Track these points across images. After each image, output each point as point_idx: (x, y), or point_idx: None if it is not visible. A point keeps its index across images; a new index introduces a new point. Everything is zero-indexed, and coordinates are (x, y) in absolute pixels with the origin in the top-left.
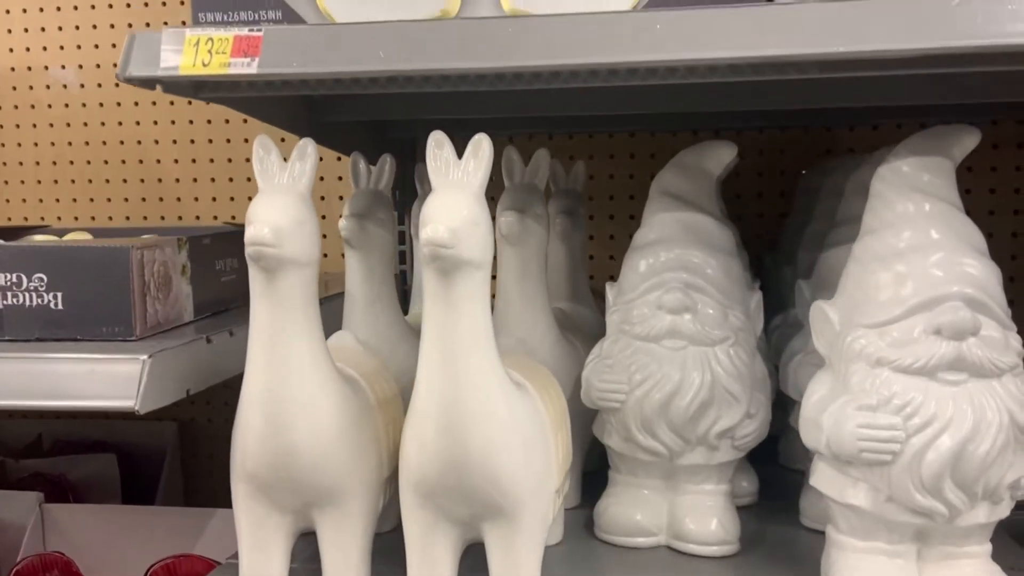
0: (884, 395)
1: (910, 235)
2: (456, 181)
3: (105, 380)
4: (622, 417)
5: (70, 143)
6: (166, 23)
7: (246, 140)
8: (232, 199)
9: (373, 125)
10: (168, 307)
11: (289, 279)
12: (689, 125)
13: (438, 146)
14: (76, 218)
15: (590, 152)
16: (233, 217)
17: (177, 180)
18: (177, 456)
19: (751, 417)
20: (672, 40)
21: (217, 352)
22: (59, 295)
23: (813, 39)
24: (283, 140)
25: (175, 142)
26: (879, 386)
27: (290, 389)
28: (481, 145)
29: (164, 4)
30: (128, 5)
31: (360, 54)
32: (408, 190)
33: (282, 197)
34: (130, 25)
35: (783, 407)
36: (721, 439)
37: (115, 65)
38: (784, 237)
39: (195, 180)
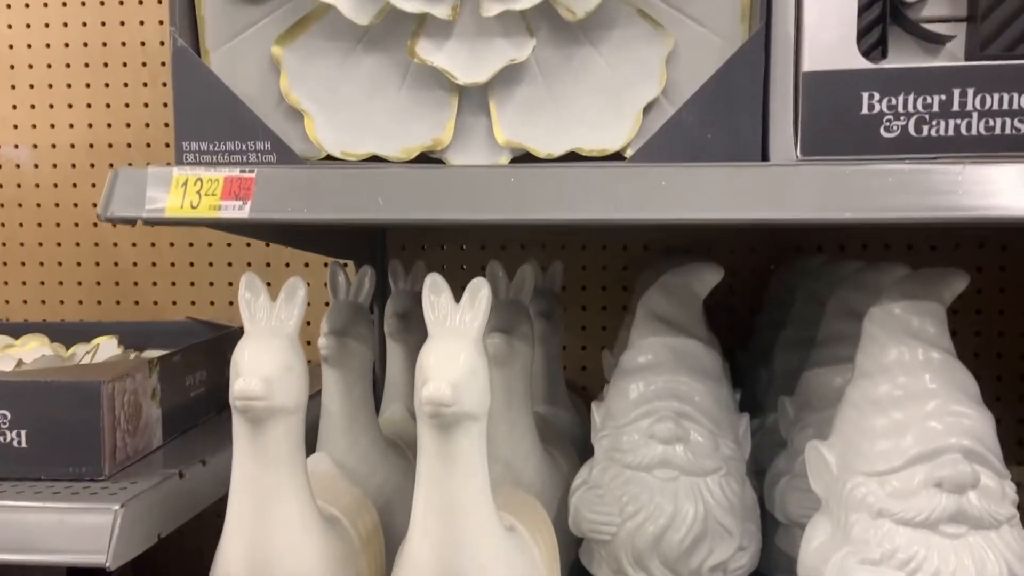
0: (887, 548)
1: (906, 381)
2: (453, 328)
3: (75, 533)
4: (613, 549)
5: (21, 224)
6: (127, 104)
7: None
8: (192, 284)
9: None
10: (137, 438)
11: (277, 429)
12: (658, 234)
13: (435, 291)
14: (25, 301)
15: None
16: (193, 303)
17: (135, 264)
18: None
19: (743, 550)
20: (679, 199)
21: (189, 486)
22: (24, 432)
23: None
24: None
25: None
26: (882, 539)
27: (275, 547)
28: (479, 291)
29: (126, 85)
30: (87, 85)
31: (358, 200)
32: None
33: (269, 342)
34: (89, 105)
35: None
36: (714, 573)
37: (72, 146)
38: (757, 335)
39: (154, 264)
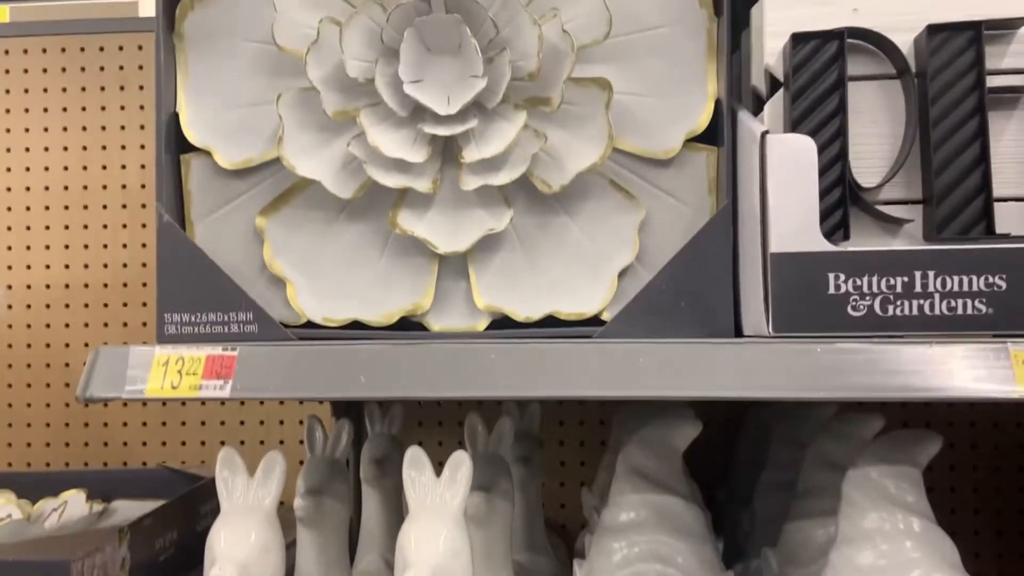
0: None
1: (888, 549)
2: (434, 506)
3: None
4: None
5: None
6: (105, 245)
7: None
8: (163, 423)
9: None
10: None
11: None
12: None
13: (416, 467)
14: None
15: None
16: (164, 443)
17: (105, 404)
18: None
19: None
20: (656, 376)
21: None
22: None
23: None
24: None
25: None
26: None
27: None
28: (460, 465)
29: (105, 227)
30: (66, 227)
31: (340, 379)
32: None
33: (246, 522)
34: (66, 246)
35: None
36: None
37: (48, 286)
38: (735, 476)
39: (124, 404)
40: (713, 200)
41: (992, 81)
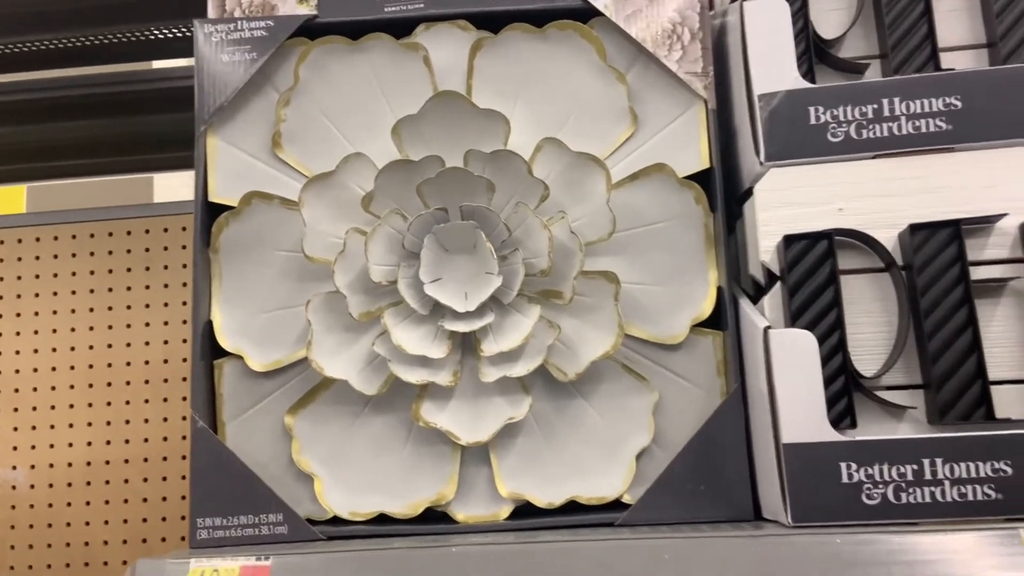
0: None
1: None
2: None
3: None
4: None
5: (12, 547)
6: (127, 421)
7: None
8: None
9: None
10: None
11: None
12: None
13: None
14: None
15: None
16: None
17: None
18: None
19: None
20: (680, 569)
21: None
22: None
23: None
24: None
25: (125, 542)
26: None
27: None
28: None
29: (128, 403)
30: (89, 404)
31: None
32: None
33: None
34: (89, 424)
35: None
36: None
37: (69, 464)
38: None
39: None
40: (723, 381)
41: (977, 272)
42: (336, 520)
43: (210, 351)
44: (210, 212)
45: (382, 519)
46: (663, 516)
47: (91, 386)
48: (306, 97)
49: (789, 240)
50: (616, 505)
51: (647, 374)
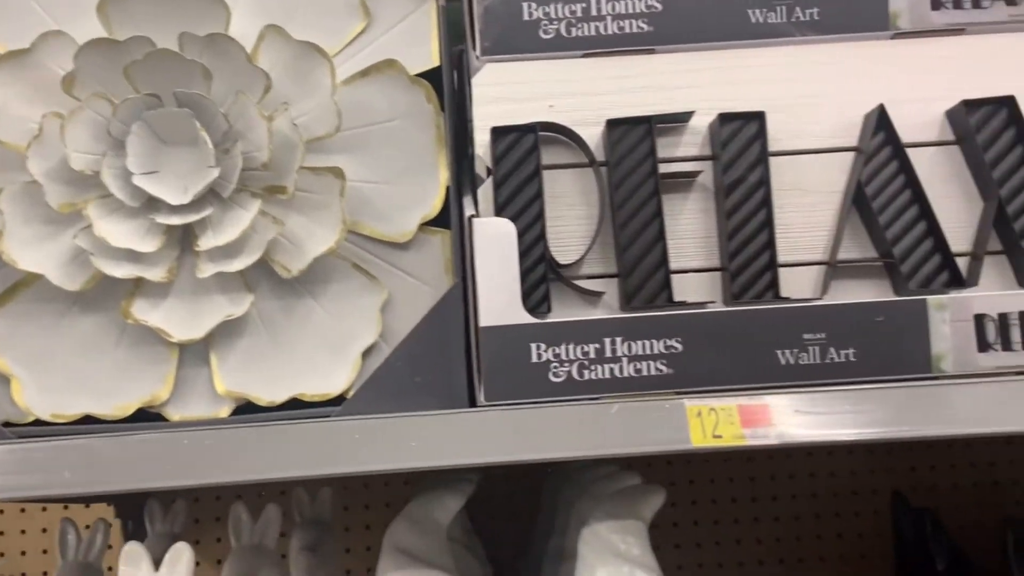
0: None
1: None
2: None
3: None
4: None
5: None
6: None
7: None
8: None
9: None
10: None
11: None
12: None
13: (131, 562)
14: None
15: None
16: None
17: None
18: None
19: None
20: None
21: None
22: None
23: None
24: None
25: None
26: None
27: None
28: (180, 558)
29: None
30: None
31: (44, 475)
32: None
33: None
34: None
35: None
36: None
37: None
38: (531, 545)
39: None
40: (450, 280)
41: (670, 167)
42: (39, 423)
43: None
44: None
45: (89, 423)
46: (379, 408)
47: None
48: None
49: (496, 133)
50: (340, 402)
51: (377, 273)
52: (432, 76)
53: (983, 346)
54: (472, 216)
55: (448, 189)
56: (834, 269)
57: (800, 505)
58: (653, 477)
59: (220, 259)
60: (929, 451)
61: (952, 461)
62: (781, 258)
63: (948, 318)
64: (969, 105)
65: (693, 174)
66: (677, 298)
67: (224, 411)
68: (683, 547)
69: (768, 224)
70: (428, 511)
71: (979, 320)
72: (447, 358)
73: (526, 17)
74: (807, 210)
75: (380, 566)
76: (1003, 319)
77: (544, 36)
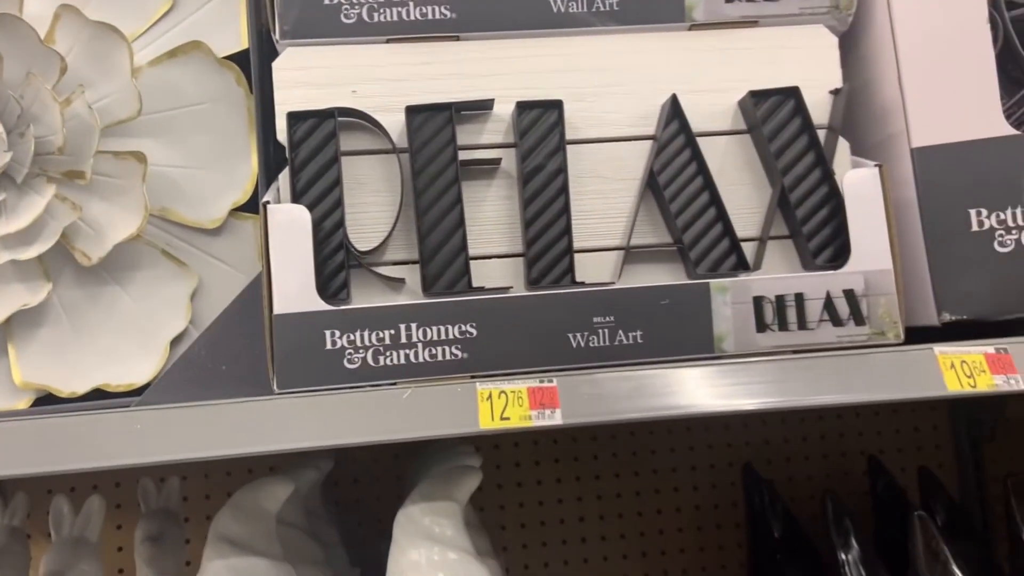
0: None
1: None
2: None
3: None
4: None
5: None
6: None
7: None
8: None
9: None
10: None
11: None
12: None
13: None
14: None
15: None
16: None
17: None
18: None
19: None
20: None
21: None
22: None
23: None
24: None
25: None
26: None
27: None
28: None
29: None
30: None
31: None
32: None
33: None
34: None
35: None
36: None
37: None
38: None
39: None
40: (263, 266)
41: (473, 154)
42: None
43: None
44: None
45: None
46: (182, 396)
47: None
48: None
49: (293, 119)
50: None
51: (188, 259)
52: (244, 59)
53: (761, 327)
54: (266, 202)
55: (258, 175)
56: (629, 254)
57: (660, 479)
58: (538, 454)
59: (15, 246)
60: (783, 425)
61: (804, 434)
62: (582, 244)
63: (729, 300)
64: (756, 95)
65: (494, 161)
66: (480, 284)
67: (24, 403)
68: (547, 524)
69: (565, 211)
70: (254, 499)
71: (758, 302)
72: (253, 346)
73: (327, 1)
74: (606, 197)
75: (204, 554)
76: (780, 301)
77: (346, 20)
